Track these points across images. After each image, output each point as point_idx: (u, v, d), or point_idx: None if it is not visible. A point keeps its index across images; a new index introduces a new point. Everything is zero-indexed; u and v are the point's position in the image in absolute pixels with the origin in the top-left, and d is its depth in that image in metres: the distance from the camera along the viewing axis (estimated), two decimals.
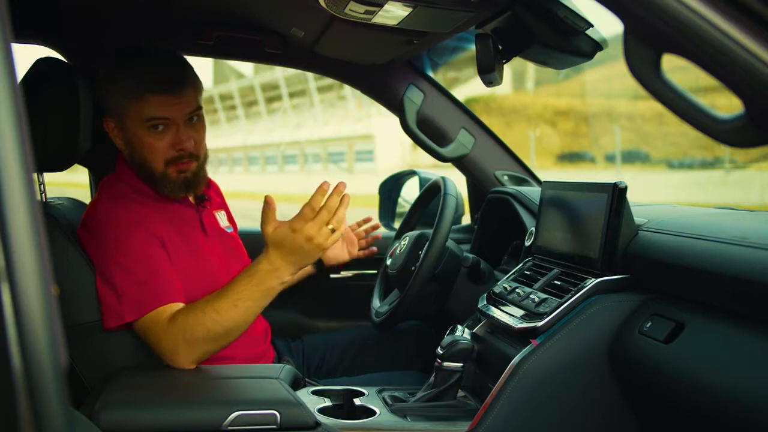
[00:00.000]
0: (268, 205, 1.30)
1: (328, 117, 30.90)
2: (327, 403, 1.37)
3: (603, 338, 1.21)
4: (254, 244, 1.46)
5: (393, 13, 1.37)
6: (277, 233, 1.28)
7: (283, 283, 1.31)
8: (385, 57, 1.89)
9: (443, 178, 1.77)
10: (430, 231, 1.65)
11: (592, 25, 1.31)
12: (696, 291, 1.12)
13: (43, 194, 1.56)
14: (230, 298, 1.29)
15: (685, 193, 14.44)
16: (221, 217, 1.64)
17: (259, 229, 1.30)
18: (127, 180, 1.49)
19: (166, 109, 1.41)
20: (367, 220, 1.96)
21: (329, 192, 1.27)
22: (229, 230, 1.65)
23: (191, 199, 1.55)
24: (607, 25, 1.21)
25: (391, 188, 2.44)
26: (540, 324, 1.26)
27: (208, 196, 1.60)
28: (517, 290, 1.43)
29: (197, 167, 1.48)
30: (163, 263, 1.38)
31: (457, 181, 1.84)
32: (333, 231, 1.26)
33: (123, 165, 1.51)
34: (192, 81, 1.46)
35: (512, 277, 1.53)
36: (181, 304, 1.35)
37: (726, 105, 0.76)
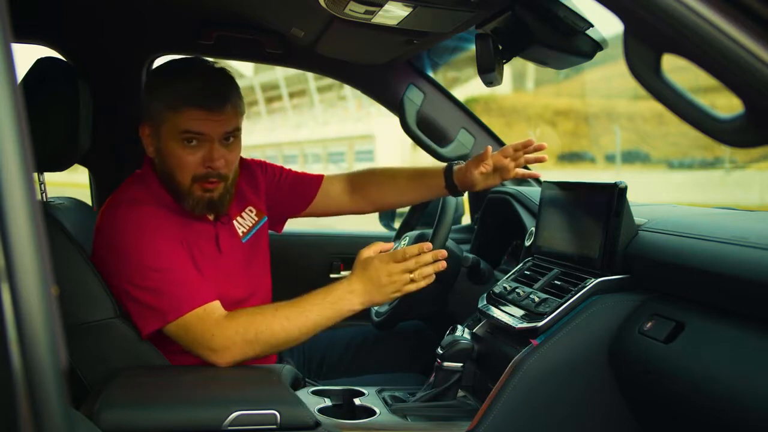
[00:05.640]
0: (380, 244, 1.43)
1: (328, 117, 30.88)
2: (327, 403, 1.38)
3: (603, 338, 1.21)
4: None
5: (393, 13, 1.37)
6: (367, 258, 1.39)
7: (352, 310, 1.37)
8: (385, 57, 1.89)
9: None
10: (430, 231, 1.65)
11: (592, 25, 1.31)
12: (696, 291, 1.12)
13: (43, 194, 1.55)
14: (301, 308, 1.35)
15: (685, 193, 14.43)
16: (245, 220, 1.58)
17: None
18: (149, 184, 1.45)
19: (202, 124, 1.37)
20: (527, 144, 1.62)
21: (427, 251, 1.36)
22: (255, 228, 1.59)
23: (210, 216, 1.49)
24: (607, 25, 1.21)
25: None
26: (540, 324, 1.26)
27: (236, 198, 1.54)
28: (517, 290, 1.43)
29: (224, 189, 1.43)
30: (190, 262, 1.38)
31: None
32: (412, 281, 1.36)
33: (150, 168, 1.47)
34: (233, 101, 1.42)
35: (512, 277, 1.53)
36: (219, 303, 1.35)
37: (726, 105, 0.76)
